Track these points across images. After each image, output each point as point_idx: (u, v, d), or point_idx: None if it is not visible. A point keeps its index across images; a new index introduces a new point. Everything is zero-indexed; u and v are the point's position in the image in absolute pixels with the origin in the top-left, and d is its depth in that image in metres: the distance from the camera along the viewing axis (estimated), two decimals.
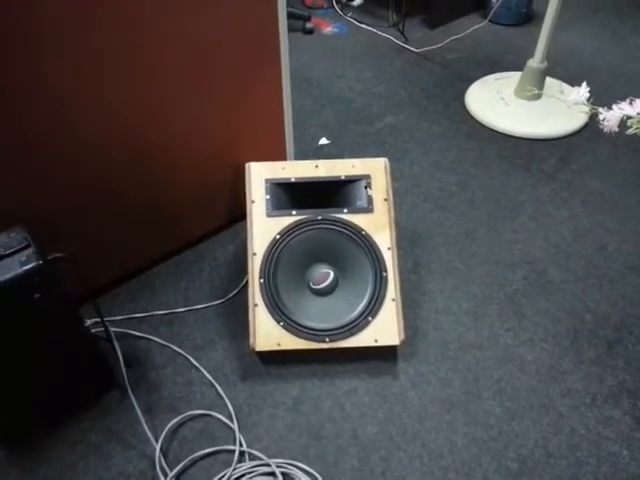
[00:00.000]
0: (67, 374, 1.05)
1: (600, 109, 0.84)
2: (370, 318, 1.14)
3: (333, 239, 1.18)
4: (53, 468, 1.03)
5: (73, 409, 1.10)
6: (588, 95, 0.85)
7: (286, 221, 1.18)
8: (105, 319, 1.08)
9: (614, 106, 0.82)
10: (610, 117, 0.82)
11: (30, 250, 0.88)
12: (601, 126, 0.84)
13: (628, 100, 0.81)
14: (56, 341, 0.99)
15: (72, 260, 0.91)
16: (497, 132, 1.81)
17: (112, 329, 1.18)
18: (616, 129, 0.82)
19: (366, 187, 1.21)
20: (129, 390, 1.09)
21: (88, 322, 1.08)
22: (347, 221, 1.18)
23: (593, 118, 0.88)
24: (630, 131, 0.81)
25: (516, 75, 1.92)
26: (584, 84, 0.85)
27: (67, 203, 1.13)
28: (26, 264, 0.86)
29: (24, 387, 1.01)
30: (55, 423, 1.09)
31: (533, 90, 1.69)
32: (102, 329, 1.10)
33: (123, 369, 1.12)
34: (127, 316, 1.27)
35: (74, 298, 0.98)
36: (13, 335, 0.92)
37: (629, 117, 0.81)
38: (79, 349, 1.04)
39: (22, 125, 0.99)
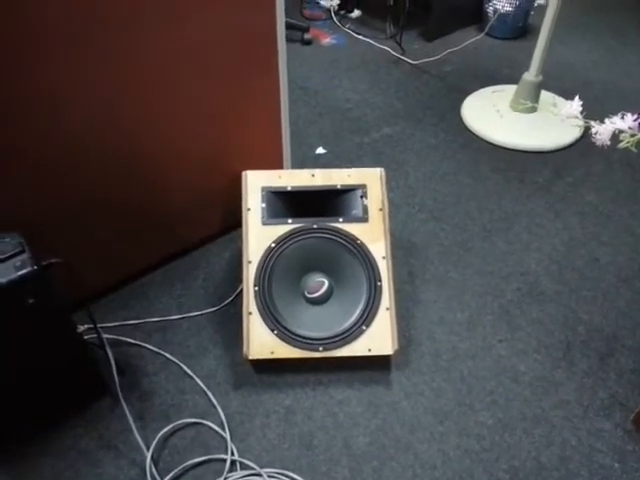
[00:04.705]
0: (59, 380, 1.05)
1: (592, 123, 0.85)
2: (364, 327, 1.14)
3: (328, 248, 1.19)
4: (43, 475, 1.03)
5: (64, 415, 1.10)
6: (581, 109, 0.86)
7: (281, 229, 1.18)
8: (98, 325, 1.08)
9: (606, 120, 0.83)
10: (602, 131, 0.83)
11: (25, 255, 0.88)
12: (593, 139, 0.85)
13: (620, 114, 0.82)
14: (49, 347, 0.99)
15: (67, 266, 0.91)
16: (492, 144, 1.82)
17: (105, 336, 1.18)
18: (608, 143, 0.83)
19: (362, 197, 1.22)
20: (121, 397, 1.09)
21: (81, 328, 1.08)
22: (342, 230, 1.19)
23: (586, 132, 0.89)
24: (622, 145, 0.82)
25: (512, 88, 1.94)
26: (577, 98, 0.86)
27: (62, 209, 1.13)
28: (21, 269, 0.86)
29: (15, 392, 1.01)
30: (46, 429, 1.08)
31: (528, 103, 1.70)
32: (95, 336, 1.10)
33: (115, 376, 1.12)
34: (120, 323, 1.27)
35: (68, 304, 0.97)
36: (5, 340, 0.92)
37: (621, 131, 0.82)
38: (71, 355, 1.04)
39: (17, 130, 0.99)
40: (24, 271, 0.85)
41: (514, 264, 1.43)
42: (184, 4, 1.06)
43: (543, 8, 1.72)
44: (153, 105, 1.14)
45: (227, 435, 1.07)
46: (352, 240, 1.18)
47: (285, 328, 1.13)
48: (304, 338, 1.13)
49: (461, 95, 2.03)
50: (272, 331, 1.13)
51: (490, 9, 2.37)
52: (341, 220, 1.20)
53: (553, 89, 1.96)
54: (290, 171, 1.27)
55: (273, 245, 1.17)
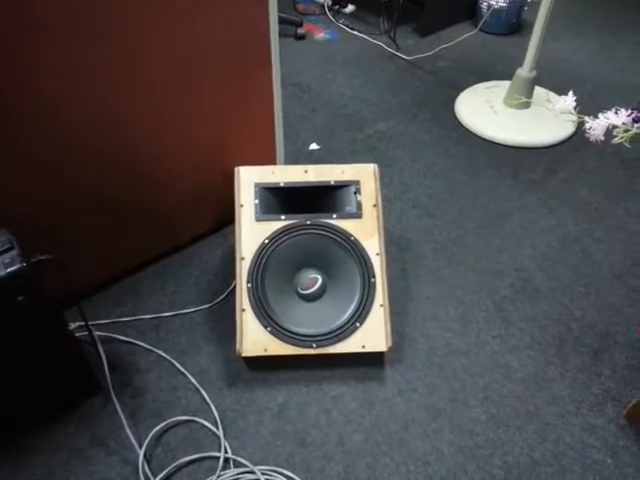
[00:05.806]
0: (50, 378, 1.04)
1: (586, 118, 0.84)
2: (358, 324, 1.14)
3: (322, 244, 1.18)
4: (35, 473, 1.02)
5: (56, 413, 1.09)
6: (575, 104, 0.86)
7: (275, 226, 1.17)
8: (90, 323, 1.07)
9: (600, 115, 0.83)
10: (596, 126, 0.83)
11: (14, 252, 0.86)
12: (587, 135, 0.85)
13: (614, 110, 0.82)
14: (39, 345, 0.98)
15: (57, 263, 0.90)
16: (486, 140, 1.82)
17: (97, 333, 1.17)
18: (602, 138, 0.83)
19: (355, 193, 1.21)
20: (113, 395, 1.08)
21: (72, 326, 1.07)
22: (336, 226, 1.18)
23: (580, 128, 0.89)
24: (615, 140, 0.82)
25: (505, 84, 1.93)
26: (571, 93, 0.86)
27: (53, 205, 1.11)
28: (10, 266, 0.85)
29: (5, 391, 1.00)
30: (37, 427, 1.07)
31: (521, 99, 1.70)
32: (86, 333, 1.09)
33: (107, 373, 1.11)
34: (112, 320, 1.26)
35: (58, 301, 0.96)
36: None
37: (615, 126, 0.81)
38: (63, 353, 1.03)
39: (10, 127, 0.98)
40: (13, 268, 0.84)
41: (508, 260, 1.43)
42: (181, 4, 1.05)
43: (537, 4, 1.72)
44: (146, 103, 1.12)
45: (220, 432, 1.07)
46: (346, 236, 1.18)
47: (278, 325, 1.13)
48: (298, 335, 1.13)
49: (455, 91, 2.02)
50: (265, 328, 1.12)
51: (484, 5, 2.37)
52: (335, 216, 1.19)
53: (547, 85, 1.96)
54: (283, 167, 1.26)
55: (266, 241, 1.16)
